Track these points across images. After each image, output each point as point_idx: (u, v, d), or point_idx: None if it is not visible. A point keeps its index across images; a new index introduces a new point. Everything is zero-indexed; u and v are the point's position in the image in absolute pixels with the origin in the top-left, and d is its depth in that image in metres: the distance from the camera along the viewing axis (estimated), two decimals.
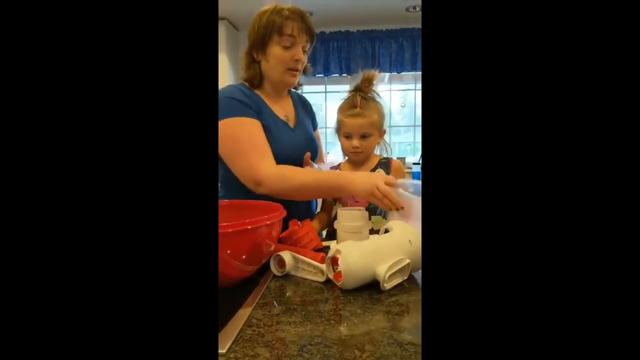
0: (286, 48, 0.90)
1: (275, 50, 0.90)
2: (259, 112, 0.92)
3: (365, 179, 0.79)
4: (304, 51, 0.93)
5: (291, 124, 0.99)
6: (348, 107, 0.93)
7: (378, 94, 0.95)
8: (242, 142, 0.85)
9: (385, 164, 0.96)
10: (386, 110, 0.97)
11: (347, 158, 1.00)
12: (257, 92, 0.97)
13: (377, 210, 0.92)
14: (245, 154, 0.85)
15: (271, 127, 0.92)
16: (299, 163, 0.93)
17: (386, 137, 1.01)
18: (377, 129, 0.93)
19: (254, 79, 0.96)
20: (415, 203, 0.74)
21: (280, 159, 0.87)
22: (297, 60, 0.91)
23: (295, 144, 0.96)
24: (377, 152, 1.00)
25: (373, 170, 0.95)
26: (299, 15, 0.91)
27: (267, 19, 0.90)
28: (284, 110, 1.00)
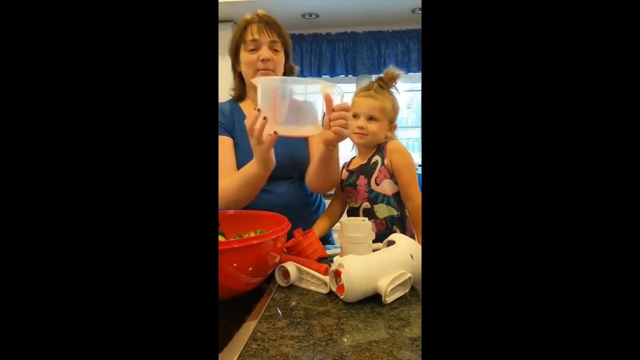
0: (252, 51, 0.94)
1: (243, 57, 0.95)
2: (232, 128, 0.97)
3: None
4: (275, 50, 0.94)
5: None
6: (363, 90, 0.96)
7: (397, 90, 0.96)
8: None
9: (381, 149, 0.92)
10: (400, 107, 0.98)
11: (356, 151, 0.99)
12: (240, 104, 1.02)
13: (379, 198, 0.92)
14: None
15: (239, 141, 0.96)
16: (275, 173, 0.86)
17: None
18: (386, 117, 0.92)
19: (237, 91, 1.03)
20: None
21: None
22: (263, 60, 0.92)
23: None
24: None
25: (372, 157, 0.93)
26: (259, 17, 0.94)
27: (235, 32, 0.97)
28: None
